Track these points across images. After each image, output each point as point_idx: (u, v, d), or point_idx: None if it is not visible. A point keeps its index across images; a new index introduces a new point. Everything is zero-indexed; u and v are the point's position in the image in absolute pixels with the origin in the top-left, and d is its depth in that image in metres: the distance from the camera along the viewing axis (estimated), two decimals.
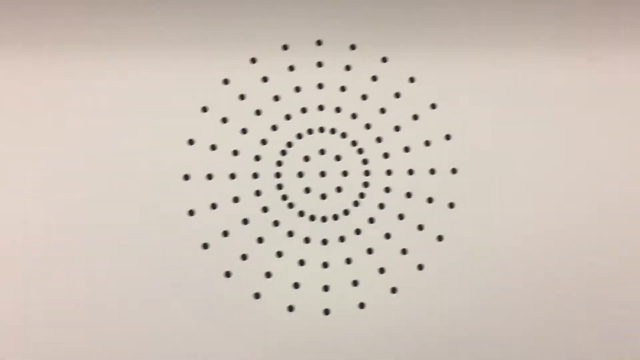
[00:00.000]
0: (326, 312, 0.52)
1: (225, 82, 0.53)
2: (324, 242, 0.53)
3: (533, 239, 0.53)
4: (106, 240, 0.51)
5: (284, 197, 0.53)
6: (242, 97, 0.53)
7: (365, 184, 0.53)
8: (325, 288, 0.52)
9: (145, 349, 0.51)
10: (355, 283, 0.52)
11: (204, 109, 0.52)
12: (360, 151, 0.53)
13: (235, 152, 0.52)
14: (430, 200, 0.54)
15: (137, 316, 0.51)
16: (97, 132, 0.51)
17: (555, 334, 0.53)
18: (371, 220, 0.53)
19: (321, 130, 0.53)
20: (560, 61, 0.55)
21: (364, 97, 0.54)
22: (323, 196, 0.53)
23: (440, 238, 0.53)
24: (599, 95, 0.55)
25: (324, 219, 0.53)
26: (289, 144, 0.53)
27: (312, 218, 0.53)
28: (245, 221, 0.52)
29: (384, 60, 0.54)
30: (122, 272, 0.50)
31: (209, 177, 0.52)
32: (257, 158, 0.53)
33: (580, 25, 0.55)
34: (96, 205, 0.51)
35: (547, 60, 0.55)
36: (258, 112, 0.53)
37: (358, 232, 0.53)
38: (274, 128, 0.53)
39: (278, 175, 0.53)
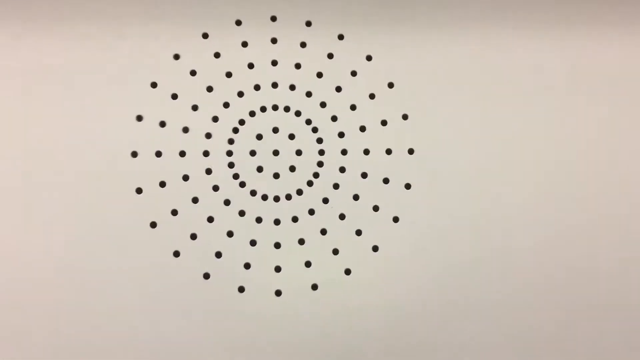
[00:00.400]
0: (278, 293, 0.51)
1: (176, 57, 0.51)
2: (276, 222, 0.51)
3: (490, 220, 0.53)
4: (49, 217, 0.49)
5: (236, 176, 0.51)
6: (193, 72, 0.51)
7: (320, 164, 0.52)
8: (277, 269, 0.51)
9: (90, 328, 0.49)
10: (308, 264, 0.51)
11: (154, 85, 0.51)
12: (314, 130, 0.52)
13: (185, 129, 0.51)
14: (386, 180, 0.53)
15: (81, 295, 0.49)
16: (41, 107, 0.50)
17: (505, 314, 0.53)
18: (325, 201, 0.52)
19: (275, 108, 0.52)
20: (522, 37, 0.54)
21: (319, 74, 0.53)
22: (276, 175, 0.52)
23: (395, 219, 0.52)
24: (560, 72, 0.54)
25: (276, 199, 0.52)
26: (241, 122, 0.52)
27: (265, 197, 0.51)
28: (195, 200, 0.51)
29: (341, 37, 0.53)
30: (67, 251, 0.49)
31: (158, 154, 0.51)
32: (208, 135, 0.51)
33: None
34: (40, 182, 0.49)
35: (508, 37, 0.54)
36: (209, 89, 0.52)
37: (312, 212, 0.52)
38: (226, 105, 0.52)
39: (229, 153, 0.51)
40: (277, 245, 0.51)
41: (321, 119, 0.52)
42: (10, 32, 0.50)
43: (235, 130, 0.51)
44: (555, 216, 0.53)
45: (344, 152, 0.52)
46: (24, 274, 0.48)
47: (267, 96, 0.52)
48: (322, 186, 0.52)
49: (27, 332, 0.48)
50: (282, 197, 0.51)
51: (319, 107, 0.52)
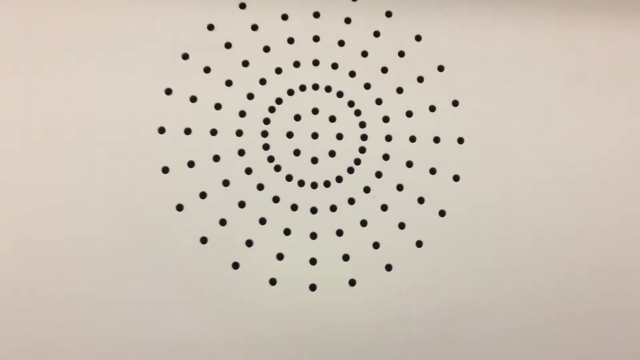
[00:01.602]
0: (312, 287, 0.46)
1: (210, 27, 0.47)
2: (313, 210, 0.47)
3: (546, 216, 0.48)
4: (67, 197, 0.45)
5: (271, 159, 0.47)
6: (228, 45, 0.47)
7: (362, 150, 0.48)
8: (313, 261, 0.47)
9: (110, 317, 0.45)
10: (345, 257, 0.47)
11: (185, 56, 0.47)
12: (357, 113, 0.48)
13: (217, 106, 0.47)
14: (432, 171, 0.48)
15: (100, 281, 0.45)
16: (64, 77, 0.45)
17: (559, 316, 0.48)
18: (367, 190, 0.48)
19: (315, 87, 0.48)
20: (583, 25, 0.50)
21: (365, 53, 0.49)
22: (314, 160, 0.47)
23: (442, 213, 0.48)
24: (618, 62, 0.50)
25: (314, 185, 0.47)
26: (279, 101, 0.47)
27: (301, 183, 0.47)
28: (225, 182, 0.46)
29: (389, 14, 0.49)
30: (85, 232, 0.44)
31: (187, 131, 0.46)
32: (242, 114, 0.47)
33: None
34: (58, 158, 0.45)
35: (571, 18, 0.50)
36: (245, 63, 0.47)
37: (351, 201, 0.47)
38: (263, 82, 0.47)
39: (265, 134, 0.47)
40: (313, 236, 0.47)
41: (365, 101, 0.48)
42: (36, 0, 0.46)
43: (272, 110, 0.47)
44: (620, 209, 0.49)
45: (388, 138, 0.48)
46: (42, 255, 0.44)
47: (307, 74, 0.48)
48: (364, 174, 0.48)
49: (46, 316, 0.44)
50: (320, 184, 0.47)
51: (363, 88, 0.48)
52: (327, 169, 0.47)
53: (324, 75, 0.48)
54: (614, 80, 0.50)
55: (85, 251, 0.44)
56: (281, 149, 0.47)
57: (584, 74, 0.50)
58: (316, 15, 0.48)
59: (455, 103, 0.49)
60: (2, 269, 0.44)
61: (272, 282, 0.46)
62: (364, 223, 0.47)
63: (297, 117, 0.48)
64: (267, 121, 0.47)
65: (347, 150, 0.48)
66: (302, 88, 0.48)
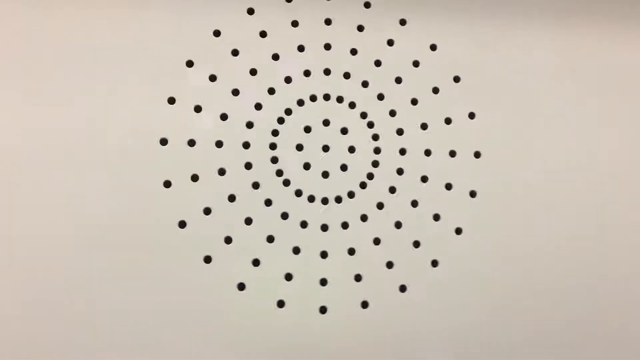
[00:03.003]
0: (322, 310, 0.44)
1: (217, 33, 0.45)
2: (324, 227, 0.45)
3: (566, 234, 0.46)
4: (65, 210, 0.42)
5: (279, 173, 0.44)
6: (235, 52, 0.45)
7: (375, 164, 0.45)
8: (323, 282, 0.44)
9: (108, 338, 0.42)
10: (358, 278, 0.44)
11: (190, 64, 0.44)
12: (370, 125, 0.46)
13: (223, 117, 0.44)
14: (448, 186, 0.46)
15: (98, 300, 0.42)
16: (64, 85, 0.43)
17: (579, 339, 0.46)
18: (380, 206, 0.45)
19: (326, 97, 0.46)
20: (604, 38, 0.48)
21: (378, 63, 0.46)
22: (325, 174, 0.45)
23: (458, 231, 0.46)
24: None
25: (324, 201, 0.45)
26: (288, 111, 0.45)
27: (311, 199, 0.45)
28: (231, 198, 0.44)
29: (403, 22, 0.47)
30: (83, 250, 0.42)
31: (191, 143, 0.44)
32: (249, 125, 0.44)
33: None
34: (56, 170, 0.42)
35: (590, 31, 0.48)
36: (253, 72, 0.45)
37: (364, 218, 0.45)
38: (271, 91, 0.45)
39: (273, 146, 0.45)
40: (324, 255, 0.44)
41: (378, 112, 0.46)
42: (39, 6, 0.43)
43: (281, 121, 0.45)
44: None
45: (402, 151, 0.46)
46: (40, 271, 0.41)
47: (318, 84, 0.46)
48: (377, 189, 0.45)
49: (40, 335, 0.41)
50: (331, 200, 0.45)
51: (376, 99, 0.46)
52: (339, 183, 0.45)
53: (335, 85, 0.46)
54: (636, 93, 0.48)
55: (84, 272, 0.42)
56: (290, 162, 0.45)
57: (605, 89, 0.48)
58: (327, 22, 0.46)
59: (471, 115, 0.47)
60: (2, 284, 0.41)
61: (280, 304, 0.44)
62: (377, 241, 0.45)
63: (307, 129, 0.45)
64: (275, 133, 0.45)
65: (360, 164, 0.46)
66: (313, 98, 0.46)
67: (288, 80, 0.45)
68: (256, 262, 0.44)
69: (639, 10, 0.48)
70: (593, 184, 0.47)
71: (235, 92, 0.45)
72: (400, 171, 0.46)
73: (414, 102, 0.47)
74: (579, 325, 0.46)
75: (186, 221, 0.43)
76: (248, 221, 0.44)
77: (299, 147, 0.45)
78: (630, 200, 0.48)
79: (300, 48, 0.46)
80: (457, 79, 0.47)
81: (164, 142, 0.44)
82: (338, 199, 0.45)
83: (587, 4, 0.48)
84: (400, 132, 0.46)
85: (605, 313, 0.47)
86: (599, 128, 0.48)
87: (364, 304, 0.45)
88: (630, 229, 0.47)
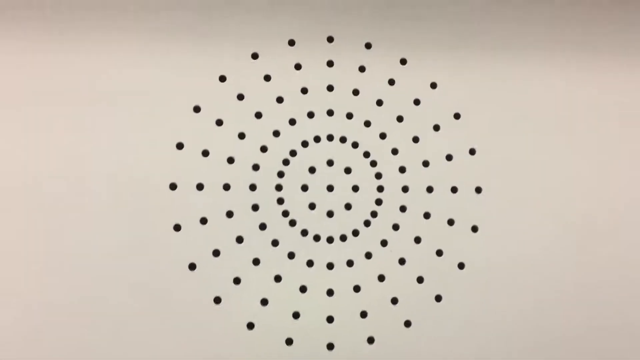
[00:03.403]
0: (330, 346, 0.45)
1: (222, 79, 0.46)
2: (330, 266, 0.46)
3: (570, 267, 0.47)
4: (76, 255, 0.43)
5: (285, 213, 0.46)
6: (240, 97, 0.46)
7: (378, 202, 0.47)
8: (330, 319, 0.45)
9: None
10: (363, 314, 0.46)
11: (197, 109, 0.46)
12: (373, 164, 0.47)
13: (230, 160, 0.46)
14: (451, 222, 0.47)
15: (115, 345, 0.43)
16: (72, 129, 0.44)
17: None
18: (384, 243, 0.46)
19: (330, 138, 0.47)
20: (602, 73, 0.49)
21: (379, 102, 0.47)
22: (330, 214, 0.46)
23: (461, 266, 0.47)
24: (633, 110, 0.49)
25: (330, 240, 0.46)
26: (293, 153, 0.46)
27: (317, 238, 0.46)
28: (239, 239, 0.45)
29: (403, 62, 0.48)
30: (101, 293, 0.43)
31: (199, 187, 0.45)
32: (256, 167, 0.46)
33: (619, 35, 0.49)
34: (66, 213, 0.43)
35: (590, 69, 0.49)
36: (258, 115, 0.46)
37: (369, 256, 0.46)
38: (276, 134, 0.46)
39: (279, 187, 0.46)
40: (330, 293, 0.46)
41: (380, 151, 0.47)
42: (46, 50, 0.44)
43: (286, 162, 0.46)
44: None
45: (405, 189, 0.47)
46: (51, 327, 0.43)
47: (322, 125, 0.47)
48: (381, 227, 0.47)
49: None
50: (336, 238, 0.46)
51: (379, 138, 0.47)
52: (343, 222, 0.46)
53: (338, 126, 0.47)
54: (632, 128, 0.49)
55: (96, 315, 0.43)
56: (296, 203, 0.46)
57: (604, 123, 0.49)
58: (330, 64, 0.47)
59: (472, 151, 0.48)
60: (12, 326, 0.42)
61: (289, 341, 0.45)
62: (381, 278, 0.46)
63: (312, 169, 0.46)
64: (281, 174, 0.46)
65: (363, 202, 0.47)
66: (317, 139, 0.47)
67: (292, 122, 0.47)
68: (264, 302, 0.45)
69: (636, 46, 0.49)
70: (593, 218, 0.48)
71: (242, 136, 0.46)
72: (403, 208, 0.47)
73: (416, 140, 0.48)
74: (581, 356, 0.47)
75: (196, 263, 0.45)
76: (256, 262, 0.45)
77: (304, 188, 0.46)
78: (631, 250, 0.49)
79: (304, 90, 0.47)
80: (457, 116, 0.48)
81: (173, 186, 0.45)
82: (343, 238, 0.46)
83: (584, 41, 0.49)
84: (402, 169, 0.47)
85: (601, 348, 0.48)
86: (597, 163, 0.48)
87: (370, 340, 0.46)
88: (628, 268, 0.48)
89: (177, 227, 0.45)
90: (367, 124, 0.47)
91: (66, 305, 0.43)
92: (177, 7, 0.45)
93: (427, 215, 0.47)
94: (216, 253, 0.45)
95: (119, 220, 0.44)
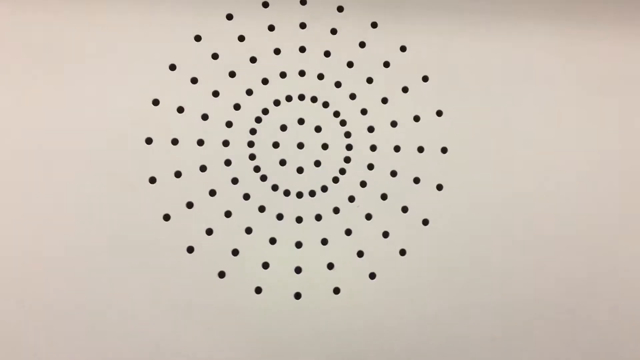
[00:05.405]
0: (297, 295, 0.47)
1: (197, 38, 0.48)
2: (299, 219, 0.48)
3: (528, 226, 0.49)
4: (53, 208, 0.45)
5: (257, 169, 0.48)
6: (215, 56, 0.48)
7: (347, 159, 0.49)
8: (298, 270, 0.47)
9: (94, 328, 0.45)
10: (330, 266, 0.48)
11: (172, 67, 0.47)
12: (342, 123, 0.49)
13: (204, 117, 0.47)
14: (416, 180, 0.49)
15: (86, 292, 0.45)
16: (49, 87, 0.46)
17: (543, 318, 0.49)
18: (351, 199, 0.48)
19: (301, 97, 0.49)
20: (565, 40, 0.51)
21: (350, 64, 0.49)
22: (300, 170, 0.48)
23: (425, 222, 0.49)
24: (600, 76, 0.51)
25: (299, 195, 0.48)
26: (265, 111, 0.48)
27: (287, 193, 0.48)
28: (212, 192, 0.47)
29: (374, 25, 0.49)
30: (72, 244, 0.45)
31: (174, 142, 0.47)
32: (229, 124, 0.48)
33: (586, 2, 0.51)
34: (44, 169, 0.45)
35: (556, 31, 0.50)
36: (232, 74, 0.48)
37: (336, 211, 0.48)
38: (249, 92, 0.48)
39: (251, 144, 0.48)
40: (299, 245, 0.48)
41: (350, 111, 0.49)
42: (22, 8, 0.46)
43: (258, 120, 0.48)
44: (604, 219, 0.50)
45: (373, 148, 0.49)
46: (27, 270, 0.45)
47: (294, 85, 0.48)
48: (349, 183, 0.48)
49: (29, 333, 0.45)
50: (306, 194, 0.48)
51: (349, 98, 0.49)
52: (313, 178, 0.48)
53: (309, 86, 0.49)
54: (596, 88, 0.51)
55: (71, 261, 0.45)
56: (267, 159, 0.48)
57: (567, 84, 0.50)
58: (302, 26, 0.49)
59: (439, 113, 0.50)
60: None
61: (258, 290, 0.47)
62: (348, 232, 0.48)
63: (283, 127, 0.48)
64: (253, 131, 0.48)
65: (333, 160, 0.49)
66: (288, 98, 0.48)
67: (265, 81, 0.48)
68: (235, 252, 0.47)
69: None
70: (554, 176, 0.50)
71: (216, 94, 0.48)
72: (370, 166, 0.49)
73: (384, 101, 0.49)
74: (545, 310, 0.49)
75: (170, 214, 0.47)
76: (228, 214, 0.47)
77: (275, 145, 0.48)
78: (594, 193, 0.50)
79: (277, 51, 0.49)
80: (425, 78, 0.50)
81: (149, 140, 0.47)
82: (312, 193, 0.48)
83: (549, 6, 0.50)
84: (371, 129, 0.49)
85: (577, 304, 0.50)
86: (558, 122, 0.50)
87: (336, 290, 0.48)
88: (599, 225, 0.50)
89: (152, 180, 0.46)
90: (338, 84, 0.49)
91: (41, 253, 0.45)
92: None
93: (393, 174, 0.49)
94: (189, 205, 0.47)
95: (97, 173, 0.46)
